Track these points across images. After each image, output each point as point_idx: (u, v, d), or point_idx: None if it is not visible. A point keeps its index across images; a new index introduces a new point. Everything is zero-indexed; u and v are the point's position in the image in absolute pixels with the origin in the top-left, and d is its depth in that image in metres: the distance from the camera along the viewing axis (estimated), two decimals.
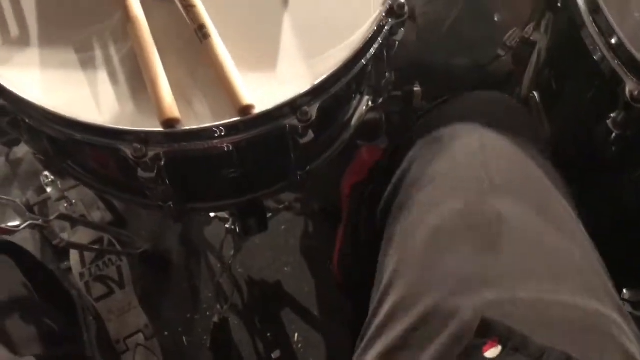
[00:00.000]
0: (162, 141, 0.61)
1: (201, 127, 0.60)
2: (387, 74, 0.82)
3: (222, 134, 0.61)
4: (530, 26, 0.99)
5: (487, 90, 1.34)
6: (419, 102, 1.31)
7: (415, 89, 1.29)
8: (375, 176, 0.95)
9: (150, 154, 0.61)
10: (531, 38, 0.97)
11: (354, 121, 0.83)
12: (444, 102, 0.82)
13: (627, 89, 0.64)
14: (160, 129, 0.60)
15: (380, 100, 0.86)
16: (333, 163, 0.85)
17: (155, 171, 0.63)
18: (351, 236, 1.13)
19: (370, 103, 0.85)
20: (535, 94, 0.90)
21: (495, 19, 1.35)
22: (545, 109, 0.88)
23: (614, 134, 0.68)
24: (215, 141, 0.61)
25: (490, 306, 0.55)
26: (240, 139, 0.62)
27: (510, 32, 1.10)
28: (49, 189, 1.23)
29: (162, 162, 0.63)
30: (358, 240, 1.06)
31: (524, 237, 0.62)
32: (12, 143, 0.74)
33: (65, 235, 1.30)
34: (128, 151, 0.60)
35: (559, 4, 0.80)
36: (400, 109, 1.30)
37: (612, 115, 0.68)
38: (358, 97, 0.83)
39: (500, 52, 1.12)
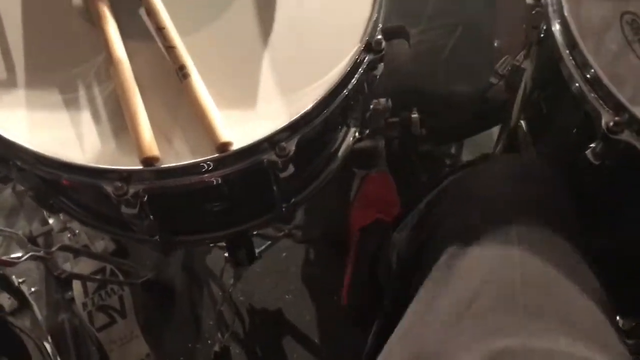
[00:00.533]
0: (142, 179, 0.62)
1: (179, 165, 0.62)
2: (371, 106, 0.83)
3: (200, 171, 0.62)
4: (522, 54, 0.99)
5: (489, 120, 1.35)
6: (416, 128, 1.32)
7: (413, 115, 1.30)
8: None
9: (131, 191, 0.62)
10: (522, 66, 0.98)
11: (340, 152, 0.84)
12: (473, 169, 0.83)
13: (603, 121, 0.64)
14: (140, 167, 0.62)
15: (367, 131, 0.87)
16: (333, 191, 0.86)
17: (138, 207, 0.64)
18: (363, 274, 1.14)
19: (357, 134, 0.86)
20: (523, 122, 0.91)
21: (495, 45, 1.35)
22: (532, 138, 0.88)
23: (593, 164, 0.68)
24: (193, 178, 0.62)
25: (501, 354, 0.56)
26: (218, 175, 0.64)
27: (502, 59, 1.11)
28: (51, 220, 1.25)
29: (145, 199, 0.64)
30: (371, 278, 1.07)
31: (540, 288, 0.63)
32: (5, 180, 0.76)
33: (68, 266, 1.32)
34: (109, 189, 0.62)
35: (542, 35, 0.81)
36: (399, 135, 1.31)
37: (591, 145, 0.68)
38: (344, 129, 0.84)
39: (493, 79, 1.12)
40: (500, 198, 0.73)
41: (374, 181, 1.32)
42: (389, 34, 0.76)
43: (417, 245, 0.80)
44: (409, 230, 0.88)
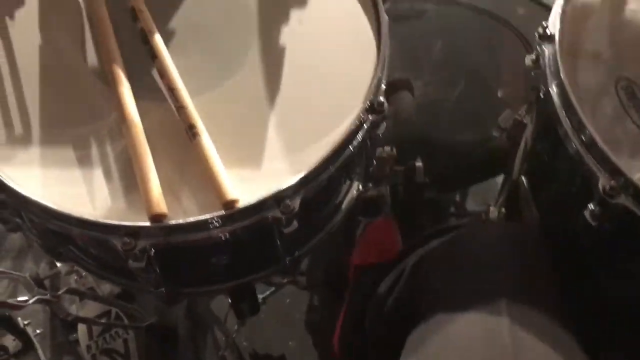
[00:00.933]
0: (150, 235, 0.64)
1: (185, 222, 0.63)
2: (374, 161, 0.85)
3: (206, 227, 0.64)
4: (523, 109, 1.01)
5: (491, 168, 1.36)
6: (421, 176, 1.34)
7: (417, 164, 1.32)
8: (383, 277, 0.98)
9: (139, 246, 0.64)
10: (524, 121, 1.00)
11: (344, 205, 0.86)
12: (456, 240, 0.86)
13: (600, 184, 0.66)
14: (148, 224, 0.64)
15: (370, 184, 0.89)
16: (337, 238, 0.87)
17: (145, 261, 0.66)
18: (352, 318, 1.15)
19: (360, 187, 0.88)
20: (524, 178, 0.92)
21: (499, 95, 1.38)
22: (532, 194, 0.90)
23: (592, 226, 0.69)
24: (199, 234, 0.64)
25: None
26: (224, 232, 0.65)
27: (504, 113, 1.13)
28: (58, 263, 1.27)
29: (152, 253, 0.66)
30: (359, 324, 1.08)
31: None
32: (15, 229, 0.80)
33: (73, 308, 1.33)
34: (118, 244, 0.64)
35: (541, 95, 0.83)
36: (403, 182, 1.33)
37: (590, 206, 0.69)
38: (347, 182, 0.86)
39: (495, 133, 1.14)
40: (488, 270, 0.75)
41: (377, 227, 1.33)
42: (394, 87, 0.79)
43: (404, 307, 0.82)
44: (393, 290, 0.89)
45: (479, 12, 1.19)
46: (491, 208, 1.19)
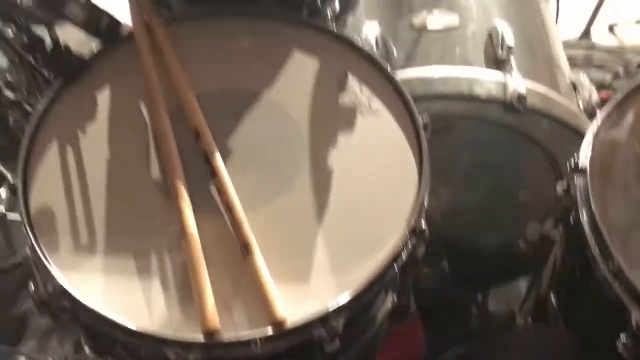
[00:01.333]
0: (201, 349, 0.68)
1: (236, 341, 0.68)
2: (410, 277, 0.88)
3: (255, 345, 0.68)
4: (549, 222, 1.05)
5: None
6: (445, 280, 1.36)
7: (443, 267, 1.35)
8: None
9: (190, 359, 0.67)
10: (550, 236, 1.03)
11: (379, 318, 0.89)
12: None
13: (634, 319, 0.69)
14: (201, 339, 0.68)
15: (404, 298, 0.92)
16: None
17: None
18: None
19: (395, 299, 0.91)
20: (552, 295, 0.95)
21: (522, 200, 1.41)
22: (561, 312, 0.92)
23: (624, 357, 0.71)
24: (248, 351, 0.68)
25: None
26: (271, 349, 0.69)
27: (530, 226, 1.16)
28: (87, 349, 1.28)
29: None
30: None
31: None
32: (65, 327, 0.85)
33: None
34: (172, 356, 0.67)
35: (572, 221, 0.87)
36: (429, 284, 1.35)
37: (621, 337, 0.71)
38: (384, 293, 0.89)
39: (522, 244, 1.17)
40: None
41: (403, 329, 1.34)
42: None
43: None
44: None
45: (504, 127, 1.25)
46: (517, 317, 1.21)
